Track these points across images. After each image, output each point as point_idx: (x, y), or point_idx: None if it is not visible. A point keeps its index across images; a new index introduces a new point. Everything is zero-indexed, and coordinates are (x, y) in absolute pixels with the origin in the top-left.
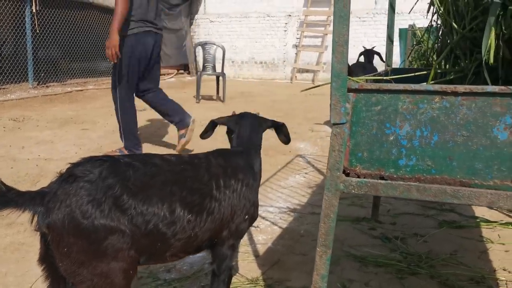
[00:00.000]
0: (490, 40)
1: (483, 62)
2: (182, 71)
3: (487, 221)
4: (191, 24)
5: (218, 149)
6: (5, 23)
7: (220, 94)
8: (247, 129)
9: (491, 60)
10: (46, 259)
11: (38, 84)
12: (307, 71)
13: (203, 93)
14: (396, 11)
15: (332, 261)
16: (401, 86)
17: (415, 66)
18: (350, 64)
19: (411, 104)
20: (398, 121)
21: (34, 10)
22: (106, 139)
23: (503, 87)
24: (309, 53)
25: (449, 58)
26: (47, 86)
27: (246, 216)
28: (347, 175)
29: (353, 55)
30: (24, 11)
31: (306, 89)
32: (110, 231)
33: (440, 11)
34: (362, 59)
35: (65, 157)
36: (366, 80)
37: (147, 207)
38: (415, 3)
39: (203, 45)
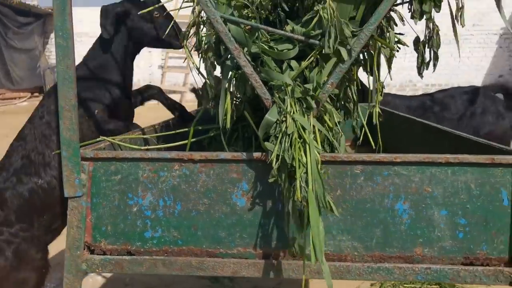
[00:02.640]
0: (226, 105)
1: (221, 127)
2: (37, 94)
3: None
4: (46, 43)
5: None
6: None
7: None
8: None
9: (228, 125)
10: None
11: None
12: (174, 92)
13: None
14: None
15: None
16: (138, 154)
17: None
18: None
19: (151, 172)
20: (140, 191)
21: None
22: None
23: (236, 154)
24: (175, 74)
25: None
26: None
27: None
28: (92, 251)
29: None
30: None
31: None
32: None
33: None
34: None
35: None
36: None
37: None
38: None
39: (53, 68)
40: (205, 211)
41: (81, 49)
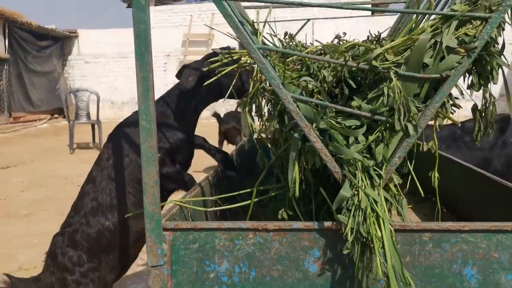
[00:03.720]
0: (294, 174)
1: (291, 194)
2: (57, 115)
3: None
4: (64, 65)
5: None
6: None
7: (97, 141)
8: None
9: (297, 193)
10: None
11: None
12: None
13: (79, 140)
14: None
15: None
16: (215, 224)
17: None
18: (222, 115)
19: (227, 240)
20: (216, 258)
21: None
22: None
23: (308, 223)
24: None
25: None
26: None
27: None
28: None
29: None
30: None
31: None
32: None
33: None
34: None
35: None
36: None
37: None
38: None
39: (75, 92)
40: (278, 277)
41: (98, 70)
